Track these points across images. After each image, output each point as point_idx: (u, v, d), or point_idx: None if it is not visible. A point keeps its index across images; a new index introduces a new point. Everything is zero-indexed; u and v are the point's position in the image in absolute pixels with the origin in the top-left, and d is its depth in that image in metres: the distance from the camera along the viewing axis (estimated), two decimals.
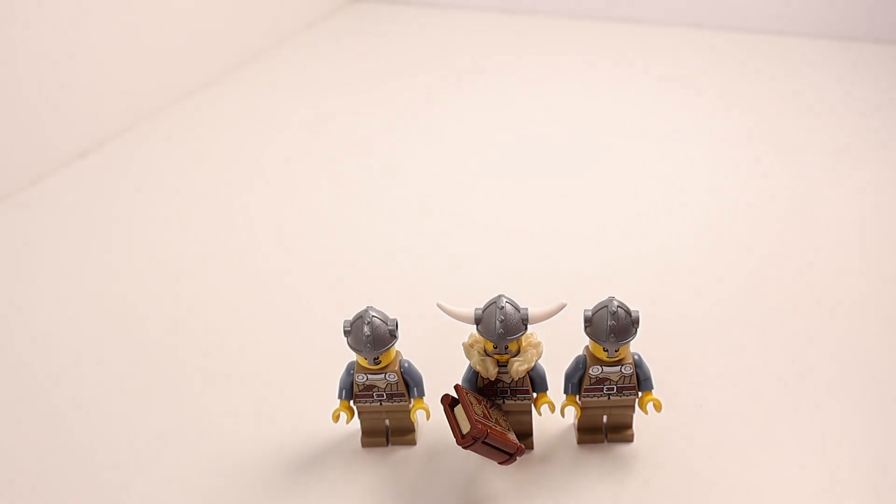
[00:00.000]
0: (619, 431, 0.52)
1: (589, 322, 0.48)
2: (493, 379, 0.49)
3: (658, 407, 0.50)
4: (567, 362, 0.51)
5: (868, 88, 1.03)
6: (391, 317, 0.49)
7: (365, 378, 0.50)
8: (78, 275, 0.73)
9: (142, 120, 1.03)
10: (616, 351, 0.48)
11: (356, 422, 0.52)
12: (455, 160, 0.91)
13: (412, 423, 0.53)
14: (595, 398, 0.50)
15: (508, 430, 0.48)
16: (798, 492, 0.48)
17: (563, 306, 0.49)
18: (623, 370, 0.49)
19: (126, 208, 0.84)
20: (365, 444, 0.53)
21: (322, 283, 0.71)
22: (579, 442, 0.52)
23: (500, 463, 0.48)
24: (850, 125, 0.93)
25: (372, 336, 0.48)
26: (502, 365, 0.49)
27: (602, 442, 0.52)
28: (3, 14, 0.83)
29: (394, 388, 0.50)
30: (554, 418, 0.53)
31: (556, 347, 0.52)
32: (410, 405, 0.52)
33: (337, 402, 0.51)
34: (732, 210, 0.78)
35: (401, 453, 0.53)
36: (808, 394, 0.56)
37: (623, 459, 0.51)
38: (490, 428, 0.46)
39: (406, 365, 0.51)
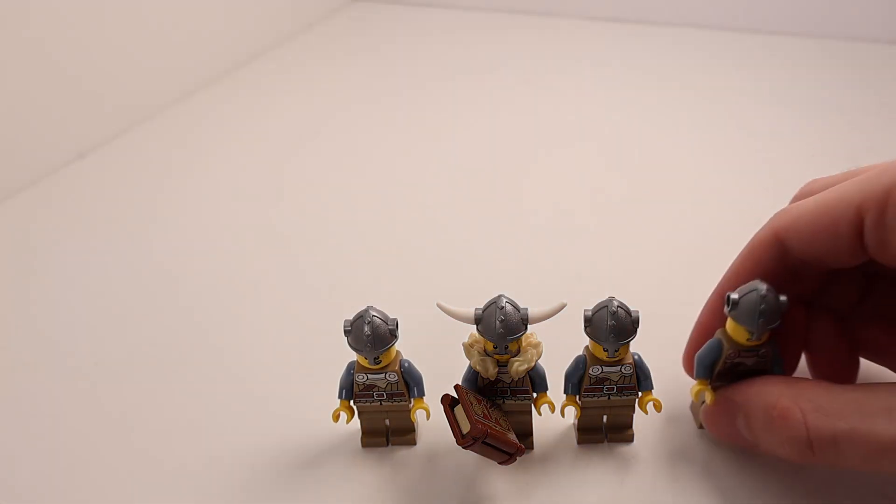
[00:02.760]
0: (619, 431, 0.52)
1: (589, 322, 0.48)
2: (493, 379, 0.49)
3: (658, 407, 0.50)
4: (567, 362, 0.51)
5: (868, 88, 1.03)
6: (391, 316, 0.49)
7: (365, 378, 0.50)
8: (78, 274, 0.73)
9: (142, 120, 1.03)
10: (616, 351, 0.48)
11: (356, 422, 0.52)
12: (455, 159, 0.91)
13: (412, 423, 0.53)
14: (595, 398, 0.50)
15: (508, 430, 0.48)
16: (798, 491, 0.48)
17: (563, 306, 0.48)
18: (623, 370, 0.49)
19: (126, 208, 0.84)
20: (365, 444, 0.53)
21: (322, 283, 0.70)
22: (579, 442, 0.52)
23: (500, 463, 0.48)
24: (850, 125, 0.93)
25: (372, 335, 0.48)
26: (502, 365, 0.49)
27: (602, 442, 0.52)
28: (3, 14, 0.83)
29: (394, 387, 0.50)
30: (554, 418, 0.53)
31: (556, 347, 0.52)
32: (410, 405, 0.52)
33: (337, 402, 0.51)
34: (733, 209, 0.78)
35: (401, 453, 0.53)
36: None
37: (623, 459, 0.51)
38: (490, 428, 0.45)
39: (406, 365, 0.51)
